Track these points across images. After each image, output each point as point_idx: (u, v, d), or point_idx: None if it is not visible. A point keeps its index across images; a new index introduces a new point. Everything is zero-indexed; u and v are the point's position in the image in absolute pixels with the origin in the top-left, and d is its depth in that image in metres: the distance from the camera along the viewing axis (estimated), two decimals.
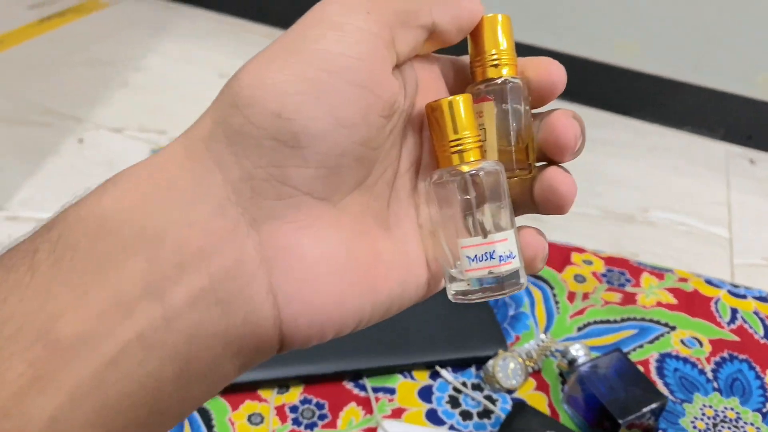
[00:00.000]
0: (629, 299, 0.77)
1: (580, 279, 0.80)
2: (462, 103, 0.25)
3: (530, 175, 0.28)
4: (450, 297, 0.26)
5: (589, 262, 0.83)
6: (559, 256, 0.83)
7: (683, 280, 0.81)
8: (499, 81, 0.27)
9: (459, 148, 0.25)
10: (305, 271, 0.21)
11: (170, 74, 1.27)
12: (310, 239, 0.21)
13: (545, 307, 0.76)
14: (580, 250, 0.85)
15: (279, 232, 0.20)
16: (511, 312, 0.75)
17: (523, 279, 0.26)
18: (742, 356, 0.72)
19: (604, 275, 0.81)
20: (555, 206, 0.27)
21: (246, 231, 0.20)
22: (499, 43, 0.27)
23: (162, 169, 0.21)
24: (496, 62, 0.27)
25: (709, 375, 0.70)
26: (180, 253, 0.19)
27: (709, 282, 0.82)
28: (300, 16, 0.21)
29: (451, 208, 0.25)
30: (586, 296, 0.77)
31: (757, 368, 0.71)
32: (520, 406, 0.60)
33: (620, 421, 0.59)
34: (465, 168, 0.25)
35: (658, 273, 0.82)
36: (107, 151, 1.05)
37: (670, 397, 0.67)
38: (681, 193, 1.08)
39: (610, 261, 0.83)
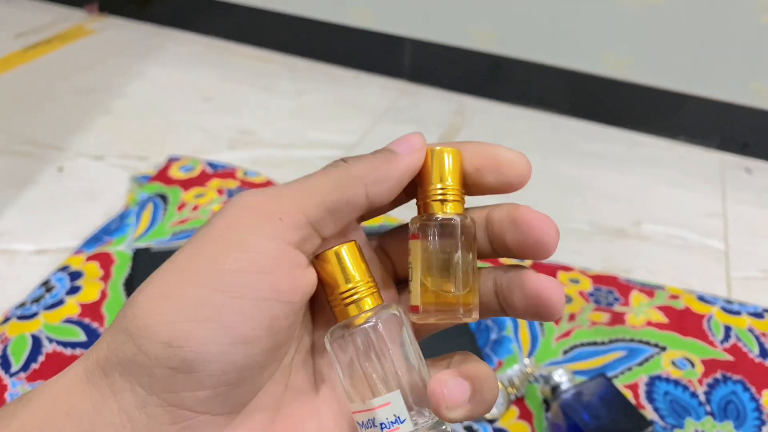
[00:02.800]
0: (618, 319, 0.74)
1: (566, 299, 0.77)
2: (346, 251, 0.23)
3: (474, 320, 0.26)
4: None
5: (576, 281, 0.80)
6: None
7: (674, 296, 0.78)
8: (437, 218, 0.26)
9: (352, 298, 0.23)
10: None
11: (154, 100, 1.26)
12: None
13: (529, 330, 0.73)
14: (567, 269, 0.82)
15: None
16: (494, 336, 0.72)
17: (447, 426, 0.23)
18: (736, 377, 0.68)
19: (591, 294, 0.78)
20: (544, 316, 0.25)
21: None
22: (444, 177, 0.26)
23: (65, 392, 0.21)
24: (438, 197, 0.26)
25: (702, 398, 0.66)
26: None
27: (701, 298, 0.78)
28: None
29: (343, 368, 0.23)
30: (572, 317, 0.74)
31: (752, 389, 0.67)
32: None
33: None
34: (359, 320, 0.23)
35: (649, 290, 0.79)
36: (87, 180, 1.03)
37: (661, 422, 0.64)
38: (675, 205, 1.05)
39: (597, 279, 0.80)
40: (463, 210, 0.27)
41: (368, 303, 0.24)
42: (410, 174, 0.25)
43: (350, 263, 0.24)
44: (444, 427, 0.23)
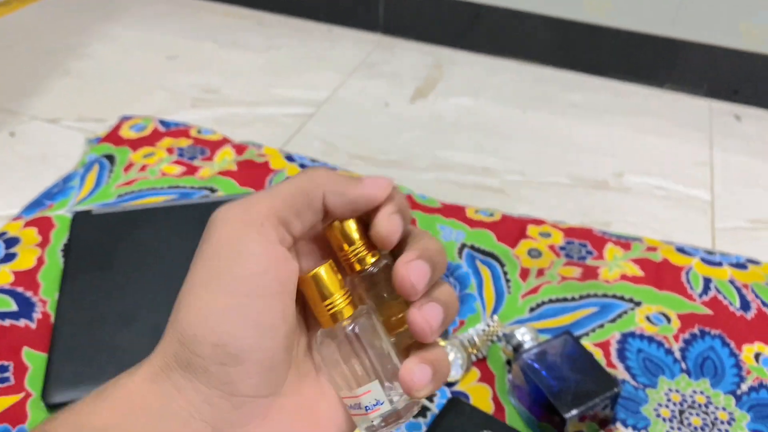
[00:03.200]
0: (590, 273, 0.69)
1: (535, 254, 0.72)
2: (324, 271, 0.28)
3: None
4: None
5: (547, 235, 0.75)
6: (514, 230, 0.75)
7: (652, 249, 0.73)
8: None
9: (333, 311, 0.28)
10: None
11: (116, 60, 1.20)
12: None
13: (494, 287, 0.68)
14: (539, 222, 0.77)
15: None
16: (456, 294, 0.67)
17: (417, 406, 0.28)
18: (714, 331, 0.64)
19: (562, 248, 0.73)
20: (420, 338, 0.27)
21: None
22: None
23: (136, 391, 0.24)
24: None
25: (677, 354, 0.62)
26: None
27: (680, 250, 0.73)
28: None
29: (331, 364, 0.28)
30: (541, 272, 0.70)
31: (732, 344, 0.63)
32: (453, 402, 0.53)
33: (566, 416, 0.51)
34: (339, 328, 0.28)
35: (624, 242, 0.74)
36: (40, 144, 0.98)
37: (632, 382, 0.60)
38: (659, 155, 0.99)
39: (570, 232, 0.75)
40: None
41: (345, 312, 0.28)
42: (366, 202, 0.27)
43: (327, 282, 0.28)
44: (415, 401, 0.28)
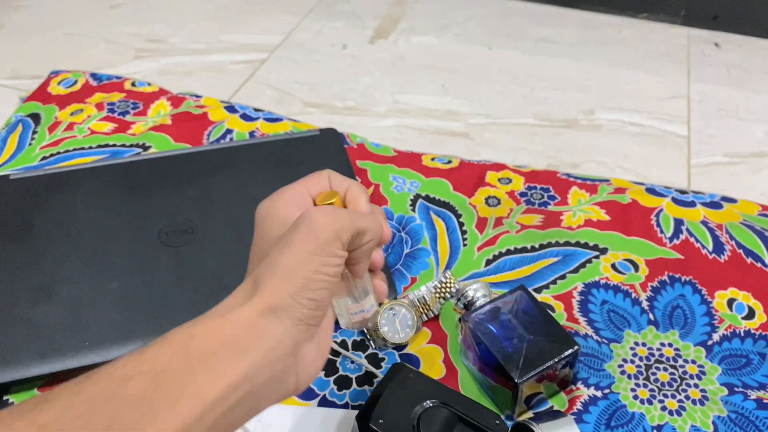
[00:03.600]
0: (552, 221, 0.64)
1: (493, 202, 0.67)
2: None
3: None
4: (344, 325, 0.42)
5: (508, 180, 0.69)
6: (472, 177, 0.70)
7: (620, 191, 0.68)
8: None
9: None
10: (310, 365, 0.35)
11: (55, 11, 1.11)
12: (313, 348, 0.35)
13: (449, 240, 0.63)
14: (499, 167, 0.71)
15: (307, 348, 0.34)
16: (407, 249, 0.62)
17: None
18: (685, 277, 0.59)
19: (523, 194, 0.68)
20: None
21: (294, 350, 0.33)
22: None
23: (248, 318, 0.32)
24: None
25: (645, 305, 0.57)
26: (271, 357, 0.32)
27: (650, 191, 0.68)
28: None
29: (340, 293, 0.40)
30: (499, 222, 0.64)
31: (704, 291, 0.58)
32: (395, 369, 0.48)
33: (517, 381, 0.47)
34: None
35: (591, 185, 0.69)
36: None
37: (595, 337, 0.55)
38: (633, 89, 0.93)
39: (532, 176, 0.70)
40: None
41: None
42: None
43: None
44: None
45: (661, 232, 0.63)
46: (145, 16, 1.10)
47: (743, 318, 0.56)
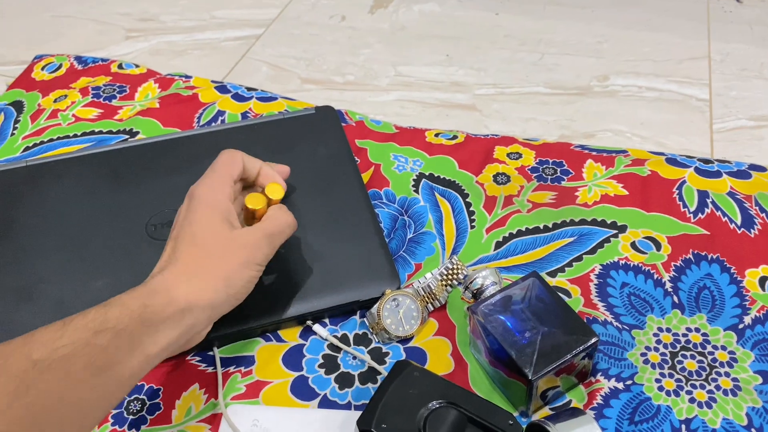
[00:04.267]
0: (566, 198, 0.60)
1: (502, 179, 0.62)
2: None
3: None
4: None
5: (518, 155, 0.65)
6: (479, 152, 0.65)
7: (638, 162, 0.63)
8: None
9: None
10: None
11: None
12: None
13: (455, 222, 0.59)
14: (508, 141, 0.67)
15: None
16: (410, 234, 0.58)
17: None
18: (712, 255, 0.55)
19: (534, 170, 0.63)
20: None
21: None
22: None
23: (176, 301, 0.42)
24: None
25: (668, 286, 0.53)
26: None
27: (671, 161, 0.63)
28: None
29: None
30: (509, 201, 0.60)
31: (733, 269, 0.54)
32: (399, 366, 0.45)
33: (531, 379, 0.43)
34: None
35: (607, 157, 0.64)
36: None
37: (615, 323, 0.51)
38: (649, 52, 0.87)
39: (544, 150, 0.65)
40: None
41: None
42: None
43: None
44: None
45: (684, 206, 0.59)
46: None
47: None
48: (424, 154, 0.65)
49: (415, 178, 0.63)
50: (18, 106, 0.73)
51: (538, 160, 0.64)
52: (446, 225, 0.58)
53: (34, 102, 0.73)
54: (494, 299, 0.48)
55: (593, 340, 0.45)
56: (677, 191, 0.60)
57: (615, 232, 0.57)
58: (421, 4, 0.99)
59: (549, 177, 0.62)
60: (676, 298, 0.52)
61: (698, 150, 0.71)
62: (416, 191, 0.61)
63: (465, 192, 0.61)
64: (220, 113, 0.71)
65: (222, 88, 0.75)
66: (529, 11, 0.96)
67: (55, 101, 0.73)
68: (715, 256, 0.55)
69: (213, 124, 0.71)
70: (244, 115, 0.71)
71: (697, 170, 0.62)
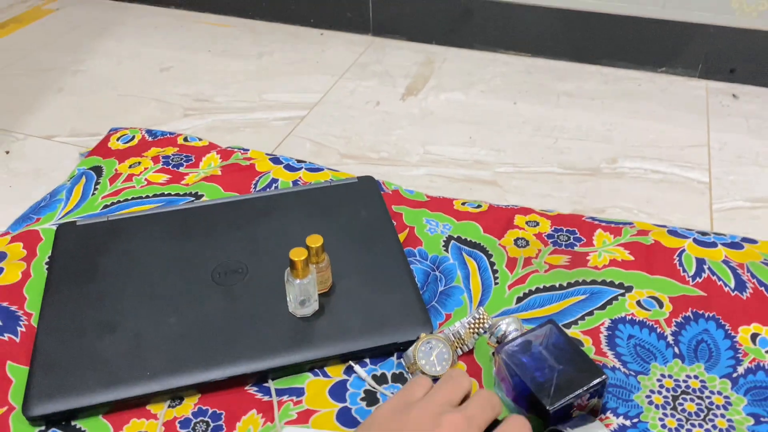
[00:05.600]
0: (578, 261, 0.68)
1: (522, 243, 0.71)
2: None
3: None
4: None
5: (535, 224, 0.73)
6: (501, 220, 0.74)
7: (643, 233, 0.71)
8: None
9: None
10: None
11: (109, 74, 1.21)
12: None
13: (481, 279, 0.67)
14: (526, 211, 0.75)
15: None
16: (441, 287, 0.66)
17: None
18: (708, 313, 0.62)
19: (550, 236, 0.72)
20: None
21: None
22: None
23: None
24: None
25: (669, 339, 0.60)
26: None
27: (672, 232, 0.72)
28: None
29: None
30: (528, 262, 0.68)
31: (727, 326, 0.61)
32: None
33: (549, 409, 0.50)
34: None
35: (615, 228, 0.73)
36: (35, 159, 0.99)
37: (623, 369, 0.58)
38: (654, 139, 0.97)
39: (558, 219, 0.74)
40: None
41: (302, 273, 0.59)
42: None
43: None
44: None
45: (684, 271, 0.66)
46: (192, 77, 1.18)
47: (767, 351, 0.58)
48: (452, 219, 0.74)
49: (444, 239, 0.71)
50: (97, 170, 0.84)
51: (553, 228, 0.72)
52: (473, 281, 0.66)
53: (111, 167, 0.84)
54: (516, 342, 0.55)
55: (602, 378, 0.51)
56: (678, 258, 0.68)
57: (622, 291, 0.64)
58: (447, 93, 1.11)
59: (563, 243, 0.71)
60: (677, 349, 0.59)
61: (699, 226, 0.79)
62: (446, 251, 0.70)
63: (489, 253, 0.69)
64: (274, 180, 0.81)
65: (275, 160, 0.85)
66: (544, 101, 1.07)
67: (130, 167, 0.83)
68: (711, 314, 0.62)
69: (268, 189, 0.80)
70: (295, 183, 0.81)
71: (696, 241, 0.70)
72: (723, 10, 1.03)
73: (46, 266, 0.69)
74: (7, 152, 1.00)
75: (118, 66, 1.24)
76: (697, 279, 0.65)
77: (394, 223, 0.73)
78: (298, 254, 0.57)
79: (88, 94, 1.14)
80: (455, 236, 0.72)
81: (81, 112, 1.09)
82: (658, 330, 0.61)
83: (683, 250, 0.69)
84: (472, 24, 1.21)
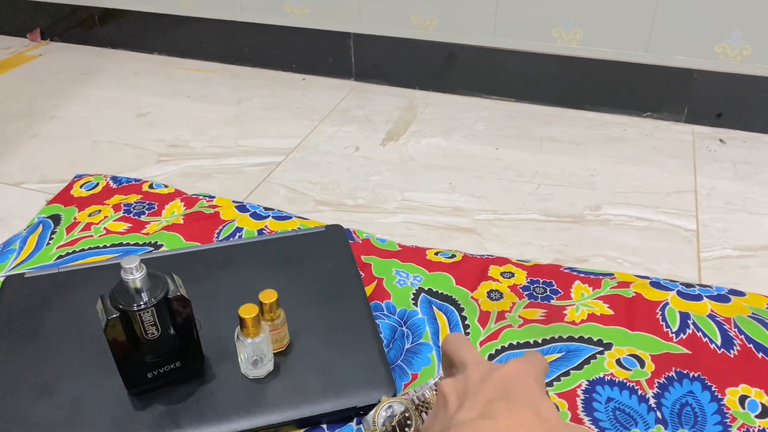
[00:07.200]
0: (555, 315, 0.64)
1: (495, 296, 0.67)
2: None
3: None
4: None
5: (510, 275, 0.70)
6: (475, 270, 0.70)
7: (624, 284, 0.67)
8: None
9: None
10: None
11: (86, 120, 1.18)
12: None
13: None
14: (502, 261, 0.72)
15: None
16: (408, 344, 0.62)
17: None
18: (693, 373, 0.57)
19: (525, 288, 0.67)
20: None
21: None
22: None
23: None
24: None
25: (652, 402, 0.55)
26: None
27: (655, 284, 0.67)
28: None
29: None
30: (501, 316, 0.64)
31: (713, 387, 0.56)
32: None
33: None
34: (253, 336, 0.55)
35: (594, 279, 0.69)
36: (0, 207, 0.95)
37: None
38: (639, 185, 0.94)
39: (535, 270, 0.70)
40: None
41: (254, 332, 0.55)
42: None
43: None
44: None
45: (667, 326, 0.62)
46: (169, 123, 1.16)
47: (757, 416, 0.54)
48: (424, 270, 0.70)
49: (414, 292, 0.67)
50: (56, 219, 0.80)
51: (529, 280, 0.68)
52: (442, 337, 0.62)
53: (70, 216, 0.80)
54: None
55: None
56: (660, 312, 0.64)
57: (601, 349, 0.60)
58: (428, 138, 1.09)
59: (539, 295, 0.66)
60: (659, 414, 0.54)
61: (687, 276, 0.75)
62: (415, 304, 0.66)
63: (461, 306, 0.65)
64: (239, 230, 0.78)
65: (241, 207, 0.82)
66: (526, 147, 1.05)
67: (89, 215, 0.80)
68: (696, 375, 0.57)
69: (231, 239, 0.77)
70: (260, 232, 0.78)
71: (680, 293, 0.66)
72: (707, 55, 1.01)
73: None
74: None
75: (96, 111, 1.22)
76: (681, 335, 0.61)
77: (362, 274, 0.69)
78: (248, 311, 0.53)
79: (62, 141, 1.12)
80: (426, 288, 0.68)
81: (53, 159, 1.06)
82: (639, 392, 0.56)
83: (666, 304, 0.64)
84: (456, 69, 1.19)
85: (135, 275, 0.50)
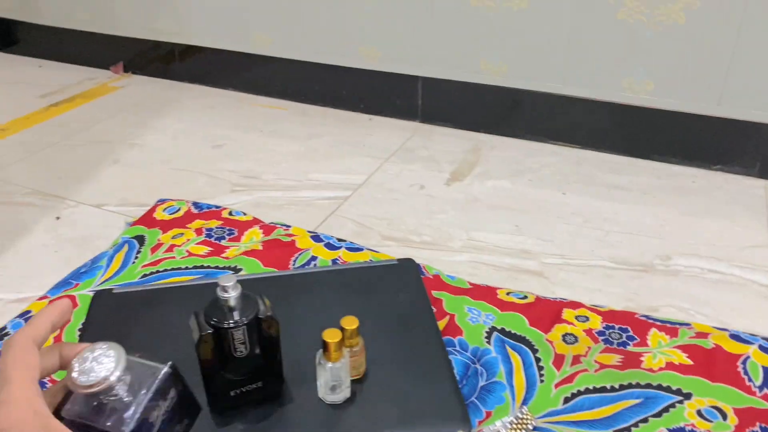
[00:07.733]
0: (632, 361, 0.63)
1: (570, 339, 0.66)
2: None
3: None
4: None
5: (585, 319, 0.69)
6: (548, 313, 0.70)
7: (702, 335, 0.66)
8: None
9: None
10: None
11: (164, 149, 1.24)
12: None
13: (525, 375, 0.62)
14: (576, 305, 0.71)
15: None
16: (482, 382, 0.62)
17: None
18: None
19: (601, 333, 0.67)
20: None
21: None
22: None
23: None
24: None
25: None
26: None
27: (735, 337, 0.66)
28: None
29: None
30: (576, 360, 0.64)
31: None
32: None
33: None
34: None
35: (671, 328, 0.68)
36: (83, 227, 1.00)
37: None
38: (711, 237, 0.93)
39: (610, 316, 0.69)
40: None
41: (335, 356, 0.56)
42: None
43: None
44: None
45: (750, 380, 0.61)
46: (242, 155, 1.21)
47: None
48: (496, 310, 0.71)
49: (487, 330, 0.68)
50: (140, 239, 0.84)
51: (604, 325, 0.68)
52: (516, 377, 0.62)
53: (154, 237, 0.84)
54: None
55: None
56: (742, 365, 0.62)
57: (680, 398, 0.59)
58: (493, 181, 1.10)
59: (615, 341, 0.66)
60: None
61: (764, 333, 0.74)
62: (488, 342, 0.66)
63: (535, 347, 0.65)
64: (313, 258, 0.80)
65: (316, 237, 0.84)
66: (594, 193, 1.05)
67: (173, 237, 0.84)
68: None
69: (306, 266, 0.79)
70: (334, 261, 0.80)
71: (761, 348, 0.65)
72: None
73: (79, 332, 0.68)
74: (58, 218, 1.02)
75: (173, 141, 1.27)
76: (765, 390, 0.60)
77: (434, 309, 0.70)
78: (331, 336, 0.55)
79: (142, 167, 1.17)
80: (499, 327, 0.68)
81: (132, 183, 1.11)
82: None
83: (748, 357, 0.63)
84: (521, 114, 1.21)
85: (231, 294, 0.52)
